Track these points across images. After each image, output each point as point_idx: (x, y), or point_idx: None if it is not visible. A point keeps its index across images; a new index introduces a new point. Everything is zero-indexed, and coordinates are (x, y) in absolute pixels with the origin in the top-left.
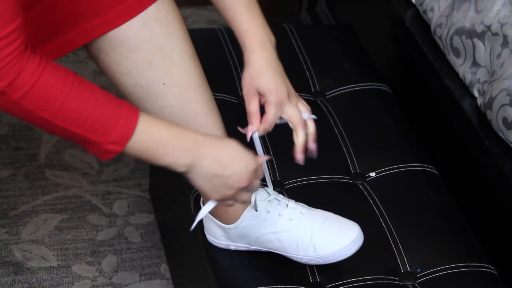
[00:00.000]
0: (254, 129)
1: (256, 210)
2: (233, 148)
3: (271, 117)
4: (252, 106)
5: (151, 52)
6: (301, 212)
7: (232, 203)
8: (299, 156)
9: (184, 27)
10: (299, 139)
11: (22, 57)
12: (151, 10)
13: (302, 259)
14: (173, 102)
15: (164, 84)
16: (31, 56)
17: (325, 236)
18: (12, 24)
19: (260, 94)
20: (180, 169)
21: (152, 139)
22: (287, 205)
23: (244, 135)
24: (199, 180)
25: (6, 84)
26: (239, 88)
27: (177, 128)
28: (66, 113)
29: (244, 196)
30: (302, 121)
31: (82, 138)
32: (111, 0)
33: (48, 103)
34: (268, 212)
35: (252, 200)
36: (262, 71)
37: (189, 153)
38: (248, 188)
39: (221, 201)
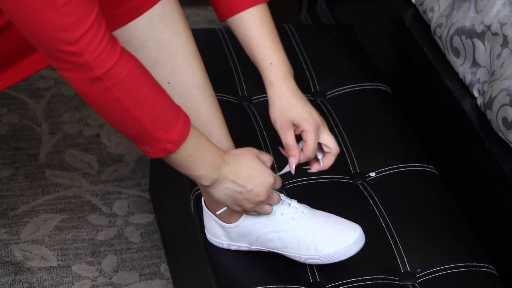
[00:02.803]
0: (297, 161)
1: None
2: (252, 164)
3: (312, 145)
4: (290, 139)
5: (156, 50)
6: (303, 211)
7: (255, 214)
8: (314, 170)
9: (188, 26)
10: (328, 163)
11: (115, 43)
12: (156, 9)
13: (303, 259)
14: (177, 101)
15: (168, 83)
16: (120, 45)
17: (327, 235)
18: (94, 11)
19: (294, 125)
20: (206, 182)
21: (197, 148)
22: (290, 204)
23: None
24: (221, 196)
25: (105, 71)
26: (239, 88)
27: (211, 141)
28: (146, 104)
29: (265, 208)
30: (338, 148)
31: (147, 133)
32: None
33: (135, 92)
34: None
35: None
36: (292, 102)
37: (217, 169)
38: (268, 201)
39: (245, 212)
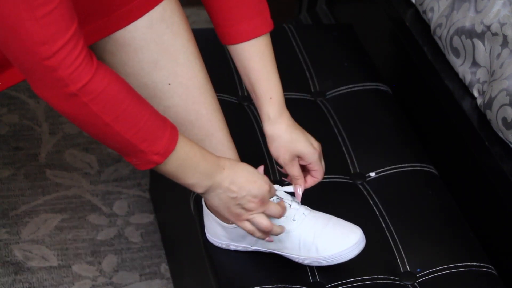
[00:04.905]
0: (303, 188)
1: None
2: (247, 170)
3: (322, 172)
4: (296, 171)
5: (157, 52)
6: (304, 213)
7: (252, 229)
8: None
9: (189, 27)
10: (310, 184)
11: (91, 59)
12: (157, 10)
13: (304, 260)
14: (178, 103)
15: (169, 84)
16: (96, 60)
17: (328, 237)
18: (73, 25)
19: (299, 157)
20: (200, 190)
21: (187, 158)
22: (290, 205)
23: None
24: (215, 202)
25: (80, 86)
26: (239, 88)
27: (204, 149)
28: (126, 119)
29: (259, 219)
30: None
31: (132, 146)
32: (117, 1)
33: (114, 107)
34: None
35: None
36: (294, 138)
37: (211, 176)
38: (264, 210)
39: (240, 224)
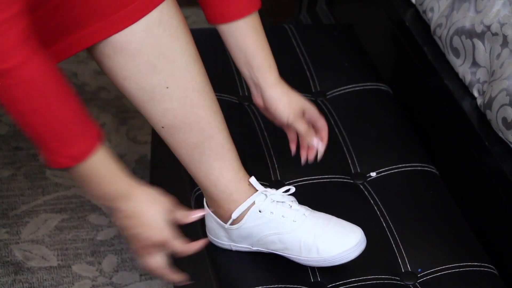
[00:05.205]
0: (324, 142)
1: (260, 211)
2: (153, 211)
3: (326, 126)
4: (305, 126)
5: (154, 56)
6: (304, 214)
7: (153, 270)
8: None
9: (187, 29)
10: (325, 137)
11: (31, 48)
12: (154, 14)
13: (305, 261)
14: (176, 106)
15: (167, 87)
16: (39, 50)
17: (328, 238)
18: (15, 6)
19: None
20: (98, 202)
21: (96, 173)
22: (291, 206)
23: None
24: (116, 220)
25: (7, 68)
26: (239, 88)
27: (123, 173)
28: (44, 114)
29: (150, 259)
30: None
31: (41, 141)
32: (114, 4)
33: (34, 99)
34: (272, 213)
35: (254, 201)
36: (296, 95)
37: (113, 200)
38: (162, 248)
39: (151, 272)
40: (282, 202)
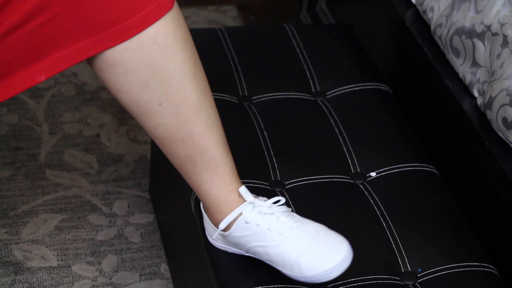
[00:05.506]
0: None
1: (246, 223)
2: None
3: None
4: None
5: (147, 74)
6: (291, 227)
7: None
8: None
9: (186, 45)
10: None
11: None
12: (148, 33)
13: (289, 275)
14: (169, 121)
15: (160, 104)
16: None
17: (311, 256)
18: None
19: None
20: None
21: None
22: (278, 218)
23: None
24: None
25: None
26: (239, 88)
27: None
28: None
29: None
30: None
31: None
32: (106, 21)
33: None
34: (258, 225)
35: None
36: None
37: None
38: None
39: None
40: (271, 213)
